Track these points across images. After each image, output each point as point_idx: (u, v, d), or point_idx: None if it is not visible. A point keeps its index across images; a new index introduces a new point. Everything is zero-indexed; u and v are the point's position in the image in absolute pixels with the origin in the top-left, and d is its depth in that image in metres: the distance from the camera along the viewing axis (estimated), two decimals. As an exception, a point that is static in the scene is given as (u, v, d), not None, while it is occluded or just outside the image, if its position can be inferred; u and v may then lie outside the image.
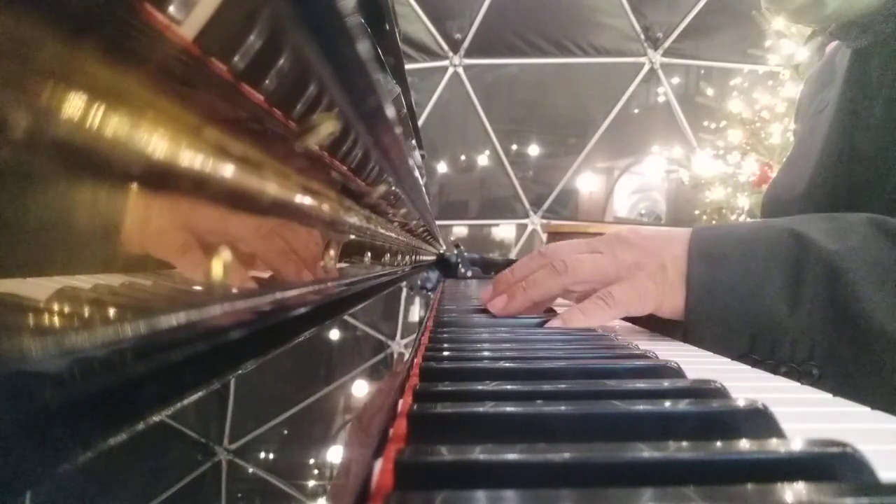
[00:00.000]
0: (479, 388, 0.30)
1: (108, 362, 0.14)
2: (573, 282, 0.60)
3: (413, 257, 1.12)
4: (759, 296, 0.52)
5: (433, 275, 1.69)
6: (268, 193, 0.26)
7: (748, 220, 3.04)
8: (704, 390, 0.29)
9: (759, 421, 0.24)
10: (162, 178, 0.17)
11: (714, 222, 3.35)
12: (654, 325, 0.63)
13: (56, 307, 0.13)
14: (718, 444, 0.21)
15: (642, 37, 4.63)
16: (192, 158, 0.18)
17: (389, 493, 0.18)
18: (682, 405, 0.25)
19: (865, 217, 0.53)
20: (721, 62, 4.51)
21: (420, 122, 4.03)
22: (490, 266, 1.94)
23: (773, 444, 0.22)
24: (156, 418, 0.16)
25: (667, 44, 4.61)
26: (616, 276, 0.58)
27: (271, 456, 0.22)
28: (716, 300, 0.54)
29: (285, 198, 0.28)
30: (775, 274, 0.53)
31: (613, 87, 4.78)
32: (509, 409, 0.25)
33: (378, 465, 0.21)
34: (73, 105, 0.13)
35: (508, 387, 0.29)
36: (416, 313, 0.74)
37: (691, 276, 0.55)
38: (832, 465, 0.20)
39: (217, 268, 0.21)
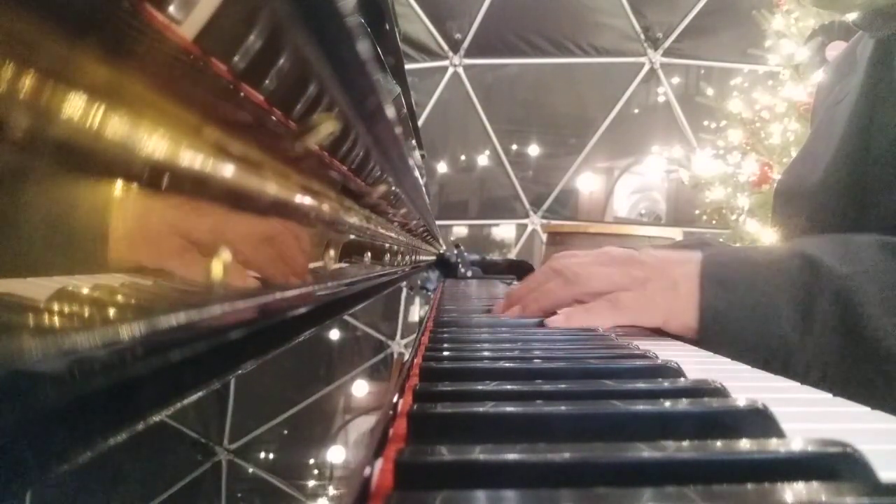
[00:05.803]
0: (479, 388, 0.30)
1: (108, 362, 0.14)
2: (584, 292, 0.60)
3: (413, 257, 1.12)
4: (771, 321, 0.53)
5: (433, 275, 1.68)
6: (268, 193, 0.26)
7: (748, 220, 3.04)
8: (704, 390, 0.29)
9: (759, 421, 0.24)
10: (162, 178, 0.17)
11: (714, 222, 3.35)
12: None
13: (56, 307, 0.13)
14: (718, 444, 0.21)
15: (642, 37, 4.63)
16: (192, 158, 0.18)
17: (389, 493, 0.18)
18: (682, 405, 0.25)
19: (875, 240, 0.54)
20: (721, 62, 4.50)
21: (420, 122, 4.02)
22: (490, 267, 1.94)
23: (773, 444, 0.22)
24: (156, 418, 0.16)
25: (667, 44, 4.60)
26: (626, 288, 0.58)
27: (271, 456, 0.22)
28: (728, 326, 0.54)
29: (285, 198, 0.28)
30: (786, 299, 0.53)
31: (613, 87, 4.77)
32: (509, 409, 0.25)
33: (378, 465, 0.21)
34: (73, 105, 0.13)
35: (508, 387, 0.29)
36: (416, 313, 0.74)
37: (704, 301, 0.55)
38: (832, 465, 0.20)
39: (217, 268, 0.21)
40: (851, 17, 0.74)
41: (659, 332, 0.62)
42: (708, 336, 0.55)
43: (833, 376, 0.50)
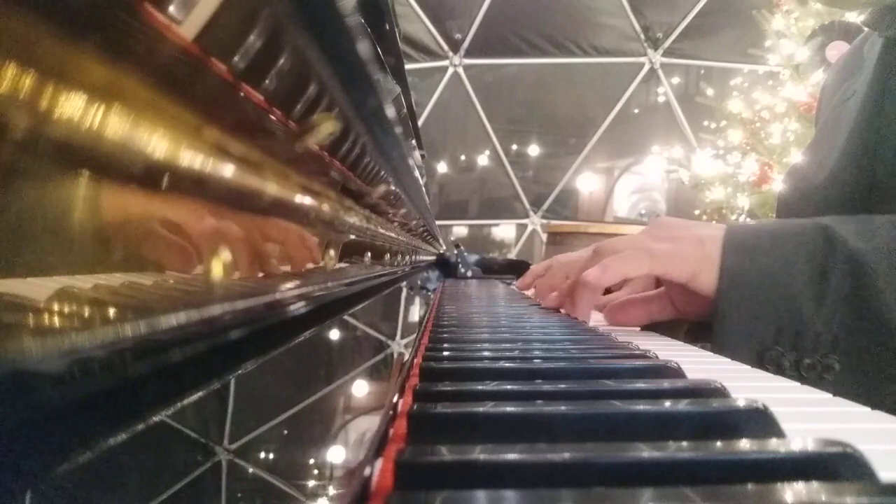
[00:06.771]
0: (480, 388, 0.29)
1: (108, 362, 0.14)
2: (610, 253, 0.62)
3: (413, 257, 1.12)
4: (786, 287, 0.54)
5: (433, 275, 1.68)
6: (268, 193, 0.26)
7: (748, 220, 3.04)
8: (704, 390, 0.29)
9: (759, 421, 0.24)
10: (162, 178, 0.17)
11: (714, 222, 3.35)
12: (656, 327, 0.64)
13: (56, 307, 0.13)
14: (718, 444, 0.21)
15: (642, 37, 4.63)
16: (192, 159, 0.18)
17: (389, 493, 0.18)
18: (682, 405, 0.25)
19: (893, 219, 0.55)
20: (721, 62, 4.50)
21: (420, 122, 4.02)
22: (490, 267, 1.94)
23: (773, 444, 0.22)
24: (156, 418, 0.16)
25: (667, 44, 4.61)
26: (655, 243, 0.61)
27: (271, 456, 0.22)
28: (744, 290, 0.56)
29: (285, 198, 0.28)
30: (802, 267, 0.54)
31: (613, 87, 4.77)
32: (509, 409, 0.25)
33: (378, 465, 0.21)
34: (73, 105, 0.13)
35: (508, 387, 0.29)
36: (416, 313, 0.74)
37: (724, 266, 0.57)
38: (832, 465, 0.20)
39: (217, 268, 0.21)
40: (852, 15, 0.74)
41: (659, 332, 0.62)
42: (726, 298, 0.57)
43: (842, 349, 0.51)
